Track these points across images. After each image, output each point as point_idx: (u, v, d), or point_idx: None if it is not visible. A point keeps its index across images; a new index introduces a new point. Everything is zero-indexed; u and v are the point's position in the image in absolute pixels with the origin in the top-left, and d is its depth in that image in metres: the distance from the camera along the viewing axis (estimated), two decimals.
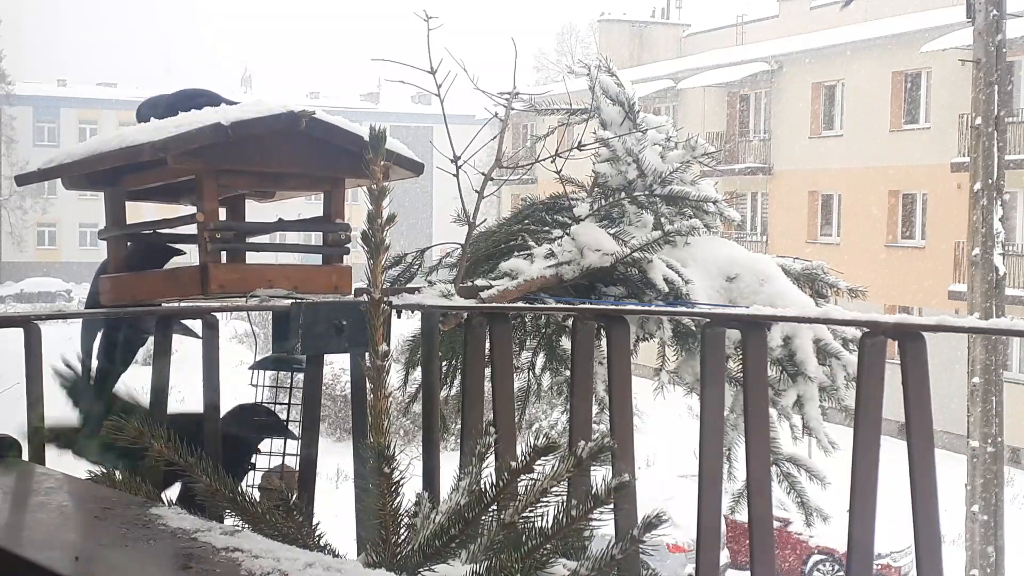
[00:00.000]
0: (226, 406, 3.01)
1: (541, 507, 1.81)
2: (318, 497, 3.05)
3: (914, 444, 2.65)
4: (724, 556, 14.15)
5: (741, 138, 32.80)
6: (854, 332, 3.67)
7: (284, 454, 3.03)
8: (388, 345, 1.99)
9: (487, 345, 3.29)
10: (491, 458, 2.38)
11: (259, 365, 3.05)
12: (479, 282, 3.74)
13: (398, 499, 1.86)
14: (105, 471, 1.89)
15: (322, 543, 1.92)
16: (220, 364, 3.08)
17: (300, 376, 3.07)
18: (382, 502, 1.84)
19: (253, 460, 2.99)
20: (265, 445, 3.02)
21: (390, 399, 1.94)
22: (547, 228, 4.06)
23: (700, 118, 32.32)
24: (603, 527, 1.88)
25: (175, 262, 3.03)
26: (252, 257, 2.94)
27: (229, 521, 1.86)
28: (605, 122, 4.28)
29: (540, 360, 4.24)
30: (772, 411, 3.69)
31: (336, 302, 2.86)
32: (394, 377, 3.30)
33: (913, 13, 27.60)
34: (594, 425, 3.34)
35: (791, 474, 3.92)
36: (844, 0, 20.19)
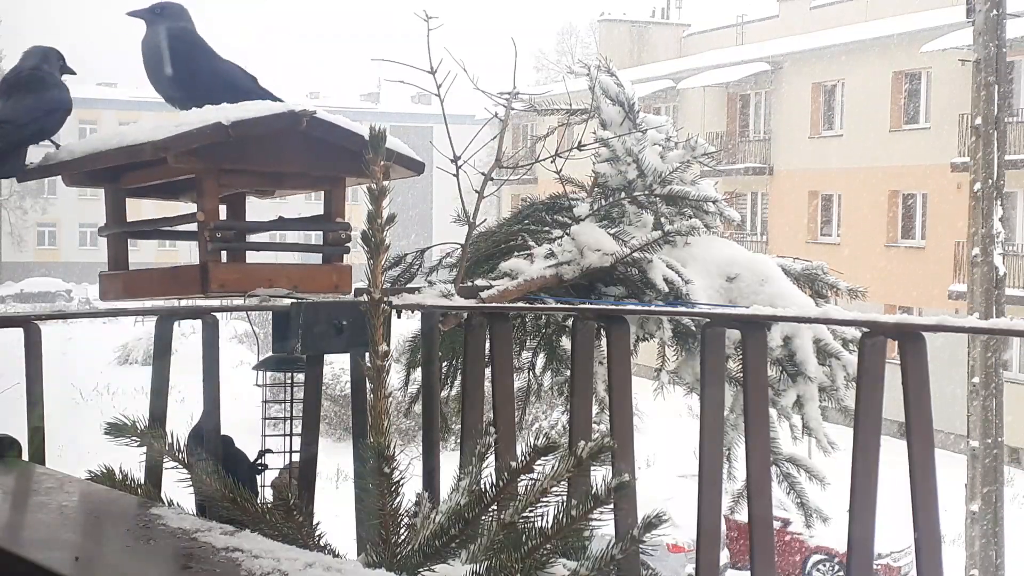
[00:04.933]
0: (226, 406, 3.01)
1: (541, 507, 1.81)
2: (318, 497, 3.05)
3: (914, 444, 2.65)
4: (724, 556, 14.15)
5: (741, 138, 32.80)
6: (854, 332, 3.67)
7: (290, 451, 3.03)
8: (388, 345, 1.99)
9: (487, 345, 3.29)
10: (491, 458, 2.38)
11: (262, 366, 3.05)
12: (479, 282, 3.74)
13: (398, 499, 1.86)
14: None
15: (322, 543, 1.92)
16: (220, 364, 3.08)
17: (300, 376, 3.07)
18: (382, 502, 1.84)
19: (261, 462, 2.99)
20: (269, 444, 3.02)
21: (390, 399, 1.94)
22: (547, 228, 4.06)
23: (700, 118, 32.31)
24: (603, 527, 1.88)
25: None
26: (252, 256, 2.94)
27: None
28: (605, 122, 4.28)
29: (540, 360, 4.24)
30: (772, 411, 3.69)
31: (336, 302, 2.86)
32: (394, 377, 3.31)
33: (913, 13, 27.60)
34: (594, 425, 3.34)
35: (791, 474, 3.92)
36: None
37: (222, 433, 2.98)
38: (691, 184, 4.17)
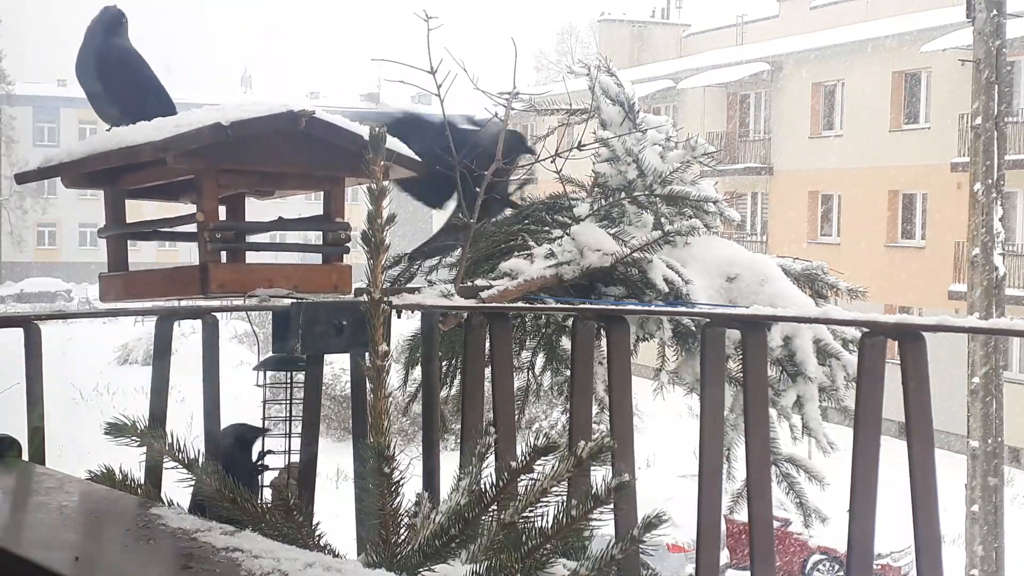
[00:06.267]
0: (226, 406, 3.01)
1: (541, 507, 1.81)
2: (318, 497, 3.05)
3: (914, 444, 2.65)
4: (724, 556, 14.14)
5: (741, 138, 32.80)
6: (854, 332, 3.66)
7: (289, 452, 3.03)
8: (388, 345, 1.99)
9: (487, 345, 3.29)
10: (491, 458, 2.38)
11: (262, 366, 3.05)
12: (479, 282, 3.74)
13: (398, 499, 1.86)
14: (106, 471, 1.89)
15: (322, 543, 1.92)
16: (220, 364, 3.08)
17: (300, 376, 3.07)
18: (382, 502, 1.84)
19: (260, 463, 2.99)
20: (269, 444, 3.03)
21: (390, 399, 1.94)
22: (547, 228, 4.06)
23: (700, 118, 32.31)
24: (603, 527, 1.88)
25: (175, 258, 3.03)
26: (252, 256, 2.94)
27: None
28: (605, 122, 4.28)
29: (540, 360, 4.24)
30: (772, 411, 3.69)
31: (336, 302, 2.86)
32: (394, 377, 3.30)
33: (913, 13, 27.60)
34: (594, 425, 3.33)
35: (790, 475, 3.92)
36: None
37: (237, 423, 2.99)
38: (691, 184, 4.17)
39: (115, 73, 2.89)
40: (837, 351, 3.80)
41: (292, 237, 3.12)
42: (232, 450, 2.94)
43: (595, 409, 3.48)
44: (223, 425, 3.03)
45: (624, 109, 4.27)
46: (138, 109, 2.80)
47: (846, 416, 3.36)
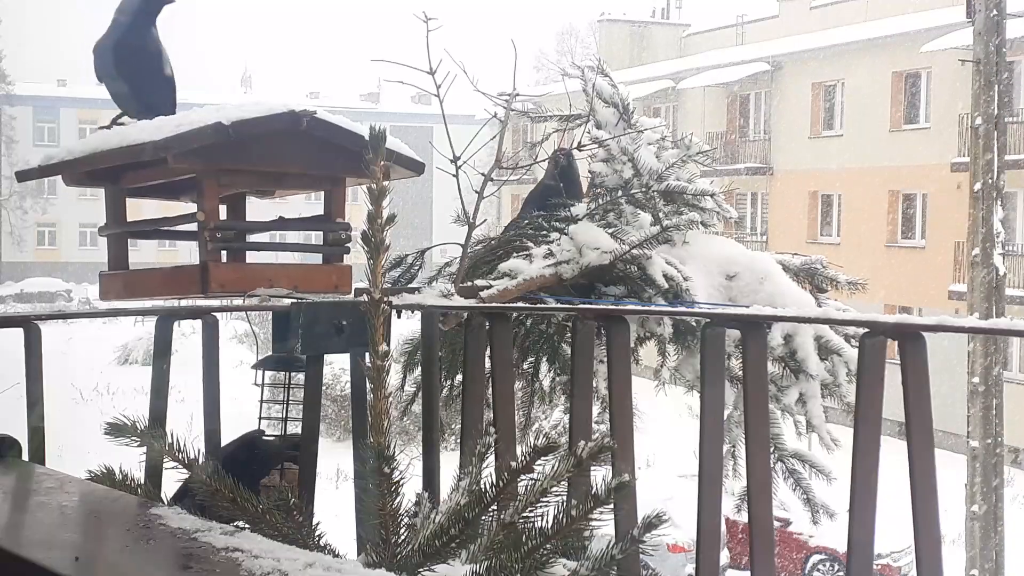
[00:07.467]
0: (226, 406, 3.01)
1: (541, 507, 1.81)
2: (318, 497, 3.05)
3: (914, 444, 2.65)
4: (724, 556, 14.14)
5: (741, 138, 32.79)
6: (855, 328, 3.66)
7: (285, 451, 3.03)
8: (388, 345, 1.99)
9: (487, 345, 3.29)
10: (491, 458, 2.38)
11: (261, 365, 3.05)
12: (479, 282, 3.74)
13: (398, 499, 1.86)
14: (105, 472, 1.89)
15: (322, 543, 1.92)
16: (220, 364, 3.08)
17: (300, 376, 3.06)
18: (382, 502, 1.84)
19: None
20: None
21: (390, 399, 1.94)
22: (545, 231, 4.06)
23: (700, 118, 32.32)
24: (603, 527, 1.88)
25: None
26: (252, 256, 2.94)
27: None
28: (600, 123, 4.28)
29: (541, 361, 4.23)
30: (776, 408, 3.69)
31: (336, 302, 2.86)
32: (394, 377, 3.30)
33: (913, 13, 27.60)
34: (594, 425, 3.33)
35: (796, 471, 3.91)
36: None
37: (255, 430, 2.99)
38: (687, 181, 4.17)
39: (134, 59, 2.88)
40: (839, 347, 3.79)
41: (292, 237, 3.12)
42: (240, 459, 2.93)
43: (596, 409, 3.48)
44: (223, 426, 3.03)
45: (619, 110, 4.27)
46: (154, 99, 2.80)
47: (849, 414, 3.36)
